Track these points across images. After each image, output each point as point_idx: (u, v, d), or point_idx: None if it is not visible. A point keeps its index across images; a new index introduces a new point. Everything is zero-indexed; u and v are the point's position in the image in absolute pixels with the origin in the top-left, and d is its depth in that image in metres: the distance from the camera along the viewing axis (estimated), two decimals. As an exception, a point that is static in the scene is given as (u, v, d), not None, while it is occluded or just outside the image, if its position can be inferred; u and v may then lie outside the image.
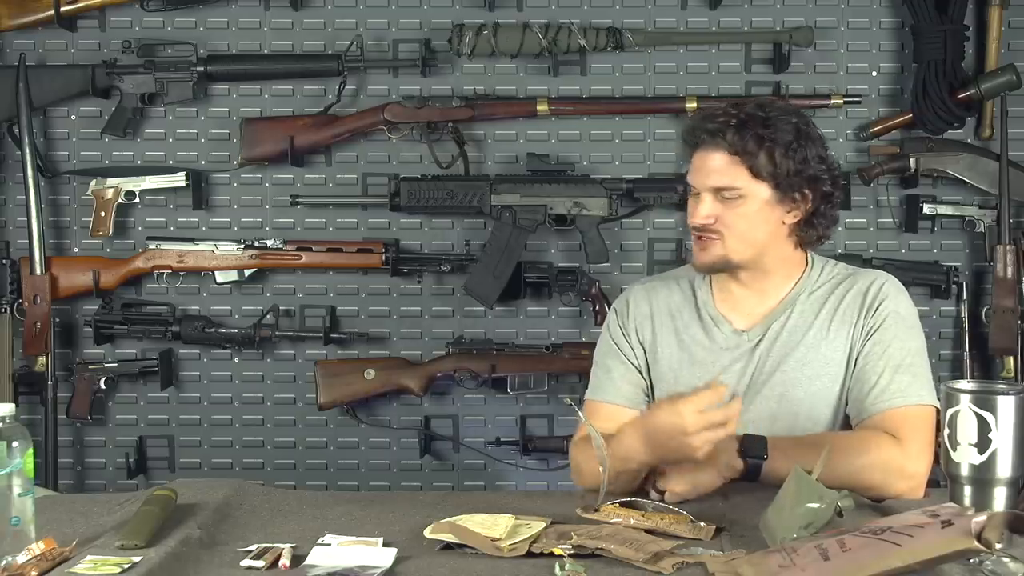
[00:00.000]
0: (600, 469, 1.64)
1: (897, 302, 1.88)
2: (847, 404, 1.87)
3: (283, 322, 2.97)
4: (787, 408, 1.88)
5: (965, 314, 2.89)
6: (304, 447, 3.02)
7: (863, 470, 1.70)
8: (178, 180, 2.92)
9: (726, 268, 1.89)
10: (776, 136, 1.82)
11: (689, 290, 1.99)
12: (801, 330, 1.89)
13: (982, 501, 1.51)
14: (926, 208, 2.89)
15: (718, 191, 1.84)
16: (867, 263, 2.79)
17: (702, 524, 1.56)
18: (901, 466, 1.71)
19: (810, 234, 1.90)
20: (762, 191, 1.84)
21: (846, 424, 1.88)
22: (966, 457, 1.52)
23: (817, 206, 1.88)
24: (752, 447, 1.71)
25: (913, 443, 1.73)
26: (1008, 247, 2.82)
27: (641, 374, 1.98)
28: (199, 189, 2.95)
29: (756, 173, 1.83)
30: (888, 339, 1.85)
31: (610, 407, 1.95)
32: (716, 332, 1.93)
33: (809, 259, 1.95)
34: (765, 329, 1.91)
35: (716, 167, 1.84)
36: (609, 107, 2.92)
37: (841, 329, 1.88)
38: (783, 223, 1.88)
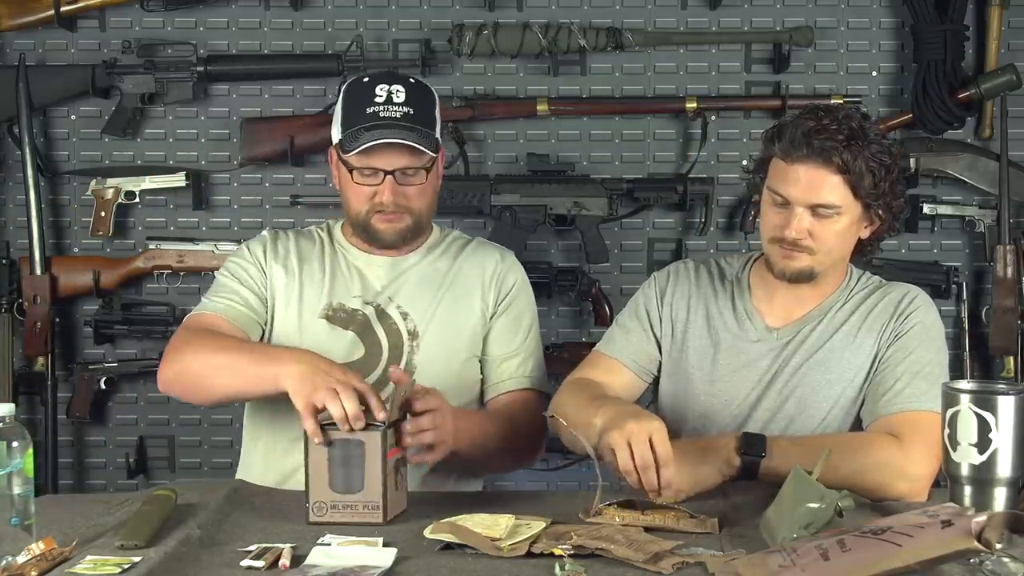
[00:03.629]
0: (595, 472, 1.65)
1: (926, 314, 1.91)
2: (861, 407, 1.88)
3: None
4: (804, 410, 1.89)
5: (965, 314, 2.90)
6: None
7: (863, 471, 1.70)
8: (178, 180, 2.92)
9: (810, 279, 1.89)
10: (879, 156, 1.81)
11: (728, 279, 2.01)
12: (831, 338, 1.91)
13: (982, 501, 1.51)
14: (926, 208, 2.89)
15: (817, 207, 1.82)
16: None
17: (703, 516, 1.57)
18: (902, 467, 1.71)
19: (868, 249, 1.93)
20: (856, 209, 1.84)
21: (856, 427, 1.88)
22: (966, 457, 1.52)
23: (888, 226, 1.90)
24: (751, 445, 1.71)
25: (917, 446, 1.73)
26: (1008, 247, 2.82)
27: (659, 348, 2.00)
28: (199, 189, 2.94)
29: (858, 193, 1.82)
30: (912, 346, 1.87)
31: (614, 362, 1.99)
32: (748, 325, 1.95)
33: (848, 269, 1.97)
34: (796, 332, 1.93)
35: (822, 183, 1.80)
36: (609, 107, 2.92)
37: (868, 336, 1.90)
38: (859, 238, 1.90)
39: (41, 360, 2.88)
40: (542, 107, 2.87)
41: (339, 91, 2.06)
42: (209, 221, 2.99)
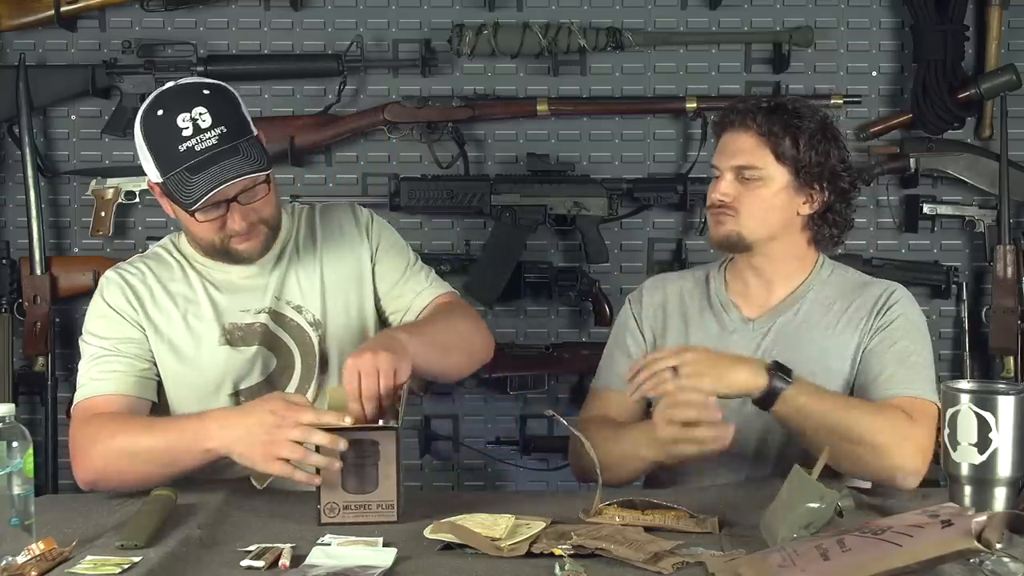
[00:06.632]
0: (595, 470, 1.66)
1: (907, 308, 1.93)
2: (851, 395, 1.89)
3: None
4: None
5: (965, 314, 2.89)
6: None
7: (876, 431, 1.74)
8: (178, 180, 2.92)
9: (738, 246, 1.93)
10: (802, 125, 1.89)
11: (703, 280, 2.05)
12: (808, 327, 1.94)
13: (982, 501, 1.52)
14: (926, 208, 2.89)
15: (740, 170, 1.90)
16: (867, 263, 2.80)
17: (703, 516, 1.57)
18: (911, 434, 1.76)
19: (824, 231, 1.96)
20: (782, 176, 1.90)
21: None
22: (966, 457, 1.52)
23: (833, 203, 1.94)
24: (780, 369, 1.75)
25: (921, 422, 1.78)
26: (1008, 247, 2.81)
27: None
28: (199, 189, 2.94)
29: (779, 157, 1.89)
30: (896, 337, 1.89)
31: (611, 392, 2.01)
32: (725, 317, 1.99)
33: (820, 258, 2.00)
34: (772, 321, 1.95)
35: (741, 147, 1.90)
36: (609, 107, 2.92)
37: (848, 328, 1.93)
38: (798, 213, 1.94)
39: (41, 360, 2.88)
40: (542, 107, 2.87)
41: (138, 118, 1.85)
42: (209, 221, 2.98)
